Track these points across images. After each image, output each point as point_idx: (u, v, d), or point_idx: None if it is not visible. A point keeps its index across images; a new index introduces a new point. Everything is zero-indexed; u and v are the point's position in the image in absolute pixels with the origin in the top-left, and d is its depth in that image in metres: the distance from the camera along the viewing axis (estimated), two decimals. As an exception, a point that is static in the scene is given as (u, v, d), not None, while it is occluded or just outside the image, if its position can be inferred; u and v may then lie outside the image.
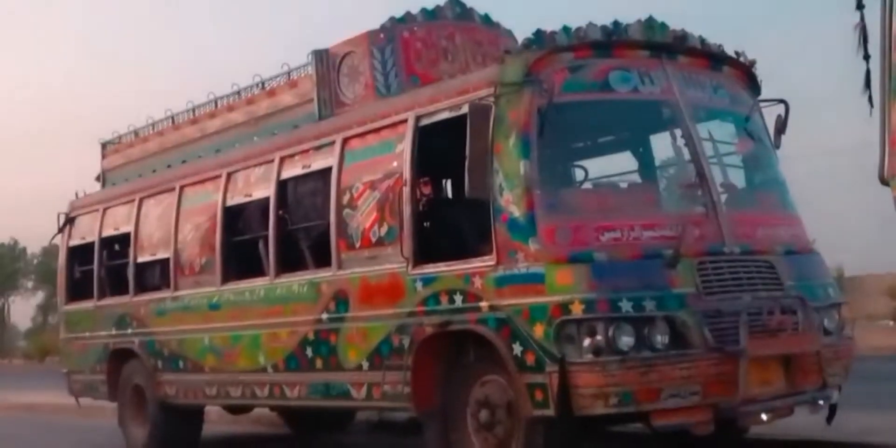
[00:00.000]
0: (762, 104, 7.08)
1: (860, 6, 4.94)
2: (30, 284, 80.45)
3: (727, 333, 5.81)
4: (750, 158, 7.05)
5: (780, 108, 6.99)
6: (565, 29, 6.37)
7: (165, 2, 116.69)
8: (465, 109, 6.31)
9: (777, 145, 7.06)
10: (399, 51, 7.63)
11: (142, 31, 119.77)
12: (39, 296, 78.45)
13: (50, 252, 56.03)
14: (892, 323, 35.09)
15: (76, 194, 11.17)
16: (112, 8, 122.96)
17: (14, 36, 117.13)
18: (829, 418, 6.45)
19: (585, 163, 7.62)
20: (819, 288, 6.49)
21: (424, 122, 6.80)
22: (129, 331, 9.75)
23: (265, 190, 8.21)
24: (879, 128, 4.86)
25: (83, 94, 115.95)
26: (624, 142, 7.71)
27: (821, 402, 6.30)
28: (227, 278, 8.55)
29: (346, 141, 7.46)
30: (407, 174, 6.82)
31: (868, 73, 4.96)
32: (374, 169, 7.15)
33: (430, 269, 6.56)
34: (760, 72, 7.12)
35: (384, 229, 6.95)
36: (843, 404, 6.46)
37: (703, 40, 6.82)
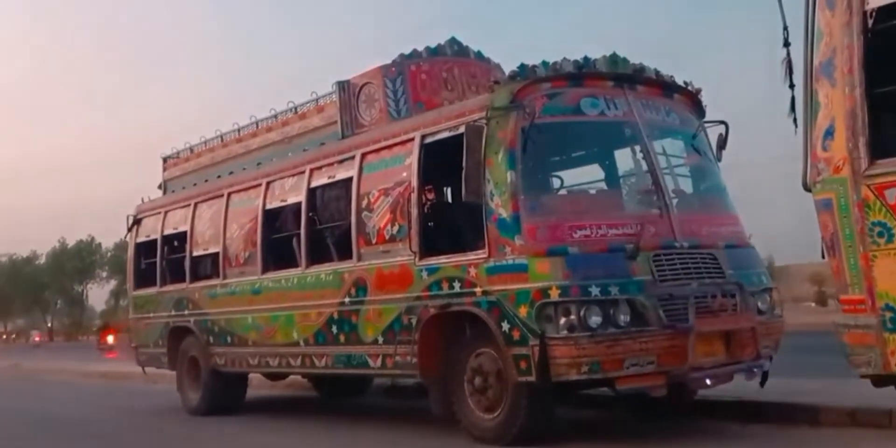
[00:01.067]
0: (707, 125, 7.07)
1: (787, 44, 4.93)
2: (104, 274, 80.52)
3: (678, 313, 5.83)
4: (696, 169, 7.04)
5: (722, 128, 7.00)
6: (544, 63, 6.38)
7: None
8: (462, 129, 6.30)
9: (719, 158, 7.05)
10: (407, 82, 7.64)
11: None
12: (112, 283, 78.53)
13: (121, 247, 55.99)
14: (814, 304, 34.99)
15: (142, 199, 11.16)
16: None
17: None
18: (762, 382, 6.45)
19: (561, 173, 7.61)
20: (754, 276, 6.49)
21: (428, 140, 6.80)
22: (186, 312, 9.74)
23: (297, 196, 8.21)
24: (802, 144, 4.86)
25: (142, 113, 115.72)
26: (593, 156, 7.69)
27: (755, 370, 6.31)
28: (266, 268, 8.55)
29: (364, 156, 7.46)
30: (414, 182, 6.82)
31: (793, 99, 4.96)
32: (387, 178, 7.14)
33: (433, 260, 6.56)
34: (705, 98, 7.14)
35: (396, 228, 6.95)
36: (774, 371, 6.46)
37: (657, 72, 6.82)
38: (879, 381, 4.73)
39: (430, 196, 8.07)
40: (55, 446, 7.97)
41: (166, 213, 10.44)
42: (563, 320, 5.63)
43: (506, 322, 5.88)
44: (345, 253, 7.50)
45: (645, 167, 6.47)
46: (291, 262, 8.20)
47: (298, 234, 8.10)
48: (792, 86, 4.93)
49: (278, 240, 8.50)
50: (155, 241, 10.55)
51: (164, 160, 10.98)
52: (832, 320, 4.72)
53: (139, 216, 11.02)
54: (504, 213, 6.03)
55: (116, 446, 7.85)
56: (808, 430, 6.19)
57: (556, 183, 7.52)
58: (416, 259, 6.66)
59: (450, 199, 8.73)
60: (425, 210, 7.06)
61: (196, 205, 9.86)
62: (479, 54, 8.14)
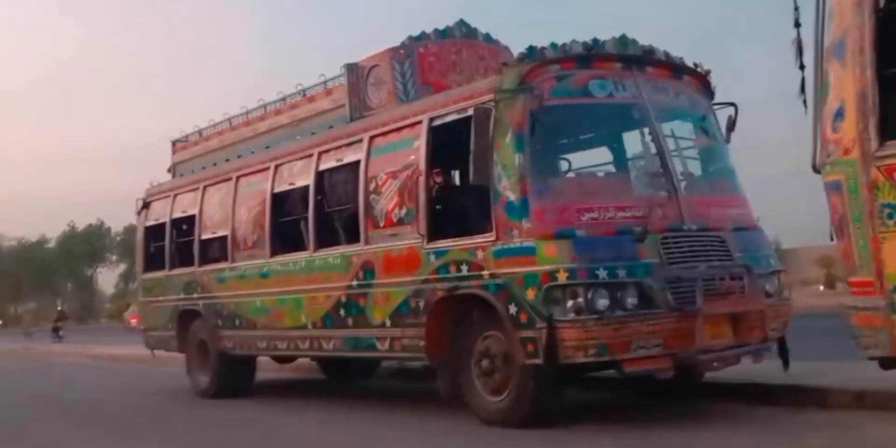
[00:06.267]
0: (716, 107, 7.04)
1: (797, 25, 4.90)
2: (114, 258, 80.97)
3: (686, 296, 5.83)
4: (705, 151, 7.01)
5: (731, 110, 6.97)
6: (553, 44, 6.35)
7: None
8: (470, 112, 6.28)
9: (728, 140, 7.02)
10: (416, 64, 7.61)
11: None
12: (122, 267, 78.97)
13: (130, 230, 56.23)
14: (822, 287, 34.91)
15: (151, 183, 11.19)
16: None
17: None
18: (785, 365, 6.45)
19: (569, 156, 7.59)
20: (762, 258, 6.48)
21: (437, 122, 6.79)
22: (195, 295, 9.78)
23: (306, 179, 8.21)
24: (812, 125, 4.84)
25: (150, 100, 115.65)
26: (601, 138, 7.67)
27: (763, 353, 6.32)
28: (274, 252, 8.56)
29: (372, 139, 7.45)
30: (422, 166, 6.81)
31: (803, 80, 4.93)
32: (395, 161, 7.14)
33: (441, 243, 6.56)
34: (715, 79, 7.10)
35: (403, 211, 6.95)
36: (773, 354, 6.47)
37: (667, 53, 6.78)
38: (887, 363, 4.74)
39: (438, 179, 8.06)
40: (66, 428, 8.03)
41: (175, 196, 10.46)
42: (570, 303, 5.63)
43: (513, 305, 5.89)
44: (353, 236, 7.51)
45: (653, 149, 6.45)
46: (299, 246, 8.22)
47: (306, 218, 8.11)
48: (802, 67, 4.91)
49: (286, 223, 8.51)
50: (164, 224, 10.58)
51: (174, 143, 10.98)
52: (841, 302, 4.72)
53: (148, 199, 11.05)
54: (512, 196, 6.03)
55: (126, 429, 7.90)
56: (816, 413, 6.19)
57: (564, 165, 7.50)
58: (424, 242, 6.66)
59: (458, 182, 8.71)
60: (433, 193, 7.05)
61: (205, 188, 9.88)
62: (487, 36, 8.10)
